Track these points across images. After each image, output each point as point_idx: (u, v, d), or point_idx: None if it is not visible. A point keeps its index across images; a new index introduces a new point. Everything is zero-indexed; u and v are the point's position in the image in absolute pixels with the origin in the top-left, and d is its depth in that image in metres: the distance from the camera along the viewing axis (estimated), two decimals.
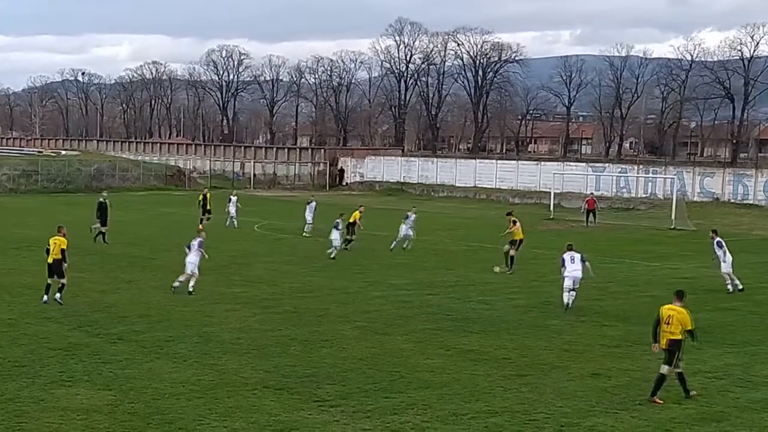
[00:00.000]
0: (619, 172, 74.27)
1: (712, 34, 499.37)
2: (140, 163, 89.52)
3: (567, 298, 24.87)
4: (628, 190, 71.73)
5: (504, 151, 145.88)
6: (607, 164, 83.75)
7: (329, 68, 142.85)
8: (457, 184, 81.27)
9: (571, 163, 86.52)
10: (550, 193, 63.39)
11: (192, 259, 26.21)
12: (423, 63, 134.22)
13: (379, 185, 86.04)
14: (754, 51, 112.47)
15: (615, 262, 35.89)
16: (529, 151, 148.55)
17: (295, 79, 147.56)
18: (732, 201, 66.34)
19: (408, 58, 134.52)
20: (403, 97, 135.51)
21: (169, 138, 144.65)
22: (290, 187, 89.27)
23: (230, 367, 17.70)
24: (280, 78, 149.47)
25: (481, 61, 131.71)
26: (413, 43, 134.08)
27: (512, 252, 32.32)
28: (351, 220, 37.66)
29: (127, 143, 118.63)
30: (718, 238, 29.52)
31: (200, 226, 43.83)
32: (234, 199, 47.54)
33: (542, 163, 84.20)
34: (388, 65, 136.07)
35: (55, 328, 21.02)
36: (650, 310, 25.06)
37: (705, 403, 15.97)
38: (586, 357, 19.22)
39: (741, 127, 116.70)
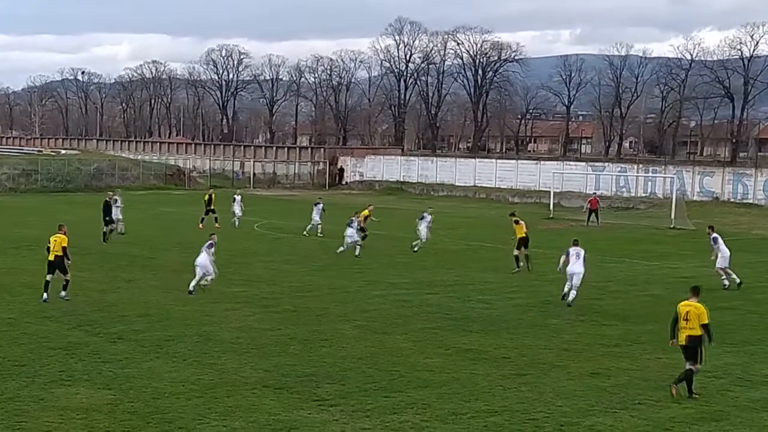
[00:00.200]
0: (619, 172, 74.27)
1: (712, 33, 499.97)
2: (140, 163, 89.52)
3: (571, 295, 25.29)
4: (627, 189, 71.74)
5: (504, 150, 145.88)
6: (606, 163, 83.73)
7: (329, 67, 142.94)
8: (456, 184, 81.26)
9: (571, 163, 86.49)
10: (549, 192, 63.39)
11: (200, 261, 26.11)
12: (423, 62, 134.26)
13: (379, 184, 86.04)
14: (754, 50, 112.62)
15: (614, 261, 35.91)
16: (529, 151, 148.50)
17: (294, 78, 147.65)
18: (732, 200, 66.35)
19: (408, 58, 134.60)
20: (402, 96, 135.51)
21: (169, 137, 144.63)
22: (290, 187, 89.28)
23: (230, 366, 17.71)
24: (280, 77, 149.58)
25: (481, 60, 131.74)
26: (413, 42, 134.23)
27: (515, 252, 32.28)
28: (360, 218, 37.81)
29: (126, 142, 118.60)
30: (714, 234, 29.76)
31: (201, 225, 44.40)
32: (238, 198, 47.59)
33: (542, 162, 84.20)
34: (387, 64, 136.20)
35: (55, 327, 21.03)
36: (650, 309, 25.21)
37: (704, 402, 15.98)
38: (586, 356, 19.23)
39: (741, 126, 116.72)
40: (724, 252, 29.42)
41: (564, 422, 14.68)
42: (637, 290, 28.70)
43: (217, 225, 44.64)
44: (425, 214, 38.14)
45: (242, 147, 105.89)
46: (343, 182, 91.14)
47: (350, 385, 16.53)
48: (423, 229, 37.38)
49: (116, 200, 40.93)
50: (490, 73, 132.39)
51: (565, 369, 18.07)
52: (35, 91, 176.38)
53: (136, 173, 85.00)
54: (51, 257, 24.27)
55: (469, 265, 33.59)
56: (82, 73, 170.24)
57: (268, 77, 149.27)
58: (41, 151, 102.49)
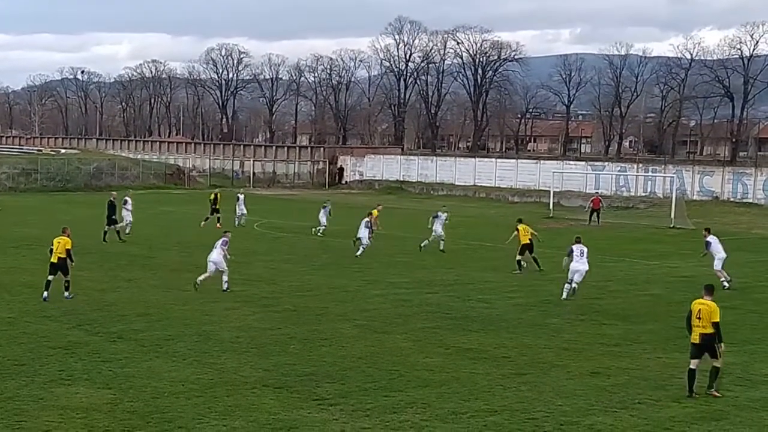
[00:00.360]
0: (619, 171, 74.25)
1: (712, 32, 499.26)
2: (140, 162, 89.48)
3: (567, 291, 25.72)
4: (627, 188, 71.72)
5: (503, 149, 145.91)
6: (606, 163, 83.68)
7: (329, 67, 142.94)
8: (456, 183, 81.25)
9: (571, 162, 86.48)
10: (549, 191, 63.39)
11: (214, 258, 26.22)
12: (422, 62, 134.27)
13: (379, 184, 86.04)
14: (754, 50, 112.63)
15: (614, 260, 35.90)
16: (529, 150, 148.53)
17: (294, 77, 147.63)
18: (731, 200, 66.34)
19: (407, 57, 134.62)
20: (402, 95, 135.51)
21: (169, 136, 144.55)
22: (290, 186, 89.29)
23: (229, 365, 17.71)
24: (280, 76, 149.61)
25: (481, 59, 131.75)
26: (413, 41, 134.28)
27: (518, 257, 32.23)
28: (374, 219, 37.93)
29: (126, 142, 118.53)
30: (707, 237, 29.93)
31: (203, 224, 44.47)
32: (242, 198, 47.62)
33: (542, 161, 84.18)
34: (387, 64, 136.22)
35: (55, 326, 21.03)
36: (650, 308, 25.23)
37: (704, 401, 15.98)
38: (586, 356, 19.23)
39: (740, 125, 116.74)
40: (719, 254, 29.47)
41: (564, 421, 14.68)
42: (637, 289, 28.70)
43: (218, 225, 44.62)
44: (440, 213, 38.02)
45: (242, 146, 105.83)
46: (343, 182, 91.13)
47: (350, 384, 16.53)
48: (438, 227, 37.28)
49: (126, 200, 41.03)
50: (490, 72, 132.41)
51: (564, 368, 18.07)
52: (35, 90, 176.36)
53: (136, 172, 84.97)
54: (54, 259, 24.38)
55: (469, 265, 33.58)
56: (82, 72, 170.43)
57: (267, 76, 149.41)
58: (41, 151, 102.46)
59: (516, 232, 32.55)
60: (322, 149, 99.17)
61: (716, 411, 15.49)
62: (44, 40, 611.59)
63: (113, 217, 38.53)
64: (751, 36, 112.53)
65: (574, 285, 26.03)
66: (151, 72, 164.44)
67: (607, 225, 51.95)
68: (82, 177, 79.74)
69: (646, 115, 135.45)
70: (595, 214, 53.16)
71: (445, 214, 38.26)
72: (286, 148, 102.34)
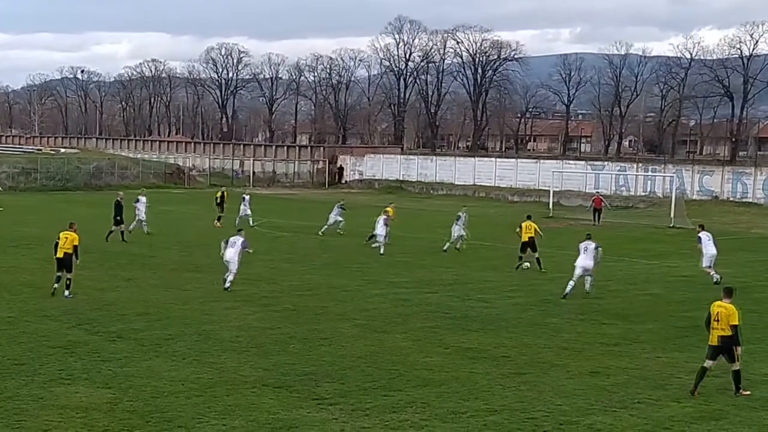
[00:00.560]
0: (619, 171, 74.27)
1: (711, 32, 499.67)
2: (139, 161, 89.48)
3: (588, 283, 26.49)
4: (627, 188, 71.76)
5: (503, 149, 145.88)
6: (606, 162, 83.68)
7: (328, 66, 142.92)
8: (456, 182, 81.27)
9: (570, 162, 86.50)
10: (549, 191, 63.40)
11: (231, 257, 26.42)
12: (422, 61, 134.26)
13: (378, 183, 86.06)
14: (754, 49, 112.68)
15: (614, 260, 35.84)
16: (529, 150, 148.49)
17: (294, 77, 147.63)
18: (731, 199, 66.37)
19: (407, 56, 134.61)
20: (402, 95, 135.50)
21: (169, 136, 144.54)
22: (289, 185, 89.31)
23: (229, 365, 17.71)
24: (280, 76, 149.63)
25: (481, 59, 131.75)
26: (412, 41, 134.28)
27: (519, 253, 32.42)
28: (383, 216, 38.19)
29: (126, 141, 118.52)
30: (699, 233, 30.51)
31: (217, 224, 44.55)
32: (247, 198, 47.67)
33: (541, 161, 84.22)
34: (387, 63, 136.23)
35: (55, 326, 21.03)
36: (649, 308, 25.24)
37: (703, 401, 15.99)
38: (585, 355, 19.24)
39: (740, 125, 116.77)
40: (709, 252, 29.91)
41: (563, 421, 14.68)
42: (637, 289, 28.71)
43: (218, 224, 44.69)
44: (460, 214, 37.80)
45: (242, 146, 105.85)
46: (343, 181, 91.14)
47: (349, 383, 16.53)
48: (456, 228, 37.17)
49: (139, 199, 41.11)
50: (490, 71, 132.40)
51: (564, 368, 18.07)
52: (35, 89, 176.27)
53: (136, 172, 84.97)
54: (60, 254, 24.59)
55: (469, 264, 33.59)
56: (82, 71, 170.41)
57: (267, 76, 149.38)
58: (41, 150, 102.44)
59: (519, 229, 32.74)
60: (321, 149, 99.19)
61: (716, 410, 15.49)
62: (44, 39, 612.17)
63: (118, 217, 38.40)
64: (751, 36, 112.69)
65: (572, 282, 26.38)
66: (151, 71, 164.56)
67: (607, 224, 51.94)
68: (82, 176, 79.73)
69: (646, 115, 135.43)
70: (596, 213, 53.18)
71: (465, 214, 37.98)
72: (285, 148, 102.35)
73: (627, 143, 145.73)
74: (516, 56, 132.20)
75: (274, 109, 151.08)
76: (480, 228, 47.81)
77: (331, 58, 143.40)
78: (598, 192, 60.79)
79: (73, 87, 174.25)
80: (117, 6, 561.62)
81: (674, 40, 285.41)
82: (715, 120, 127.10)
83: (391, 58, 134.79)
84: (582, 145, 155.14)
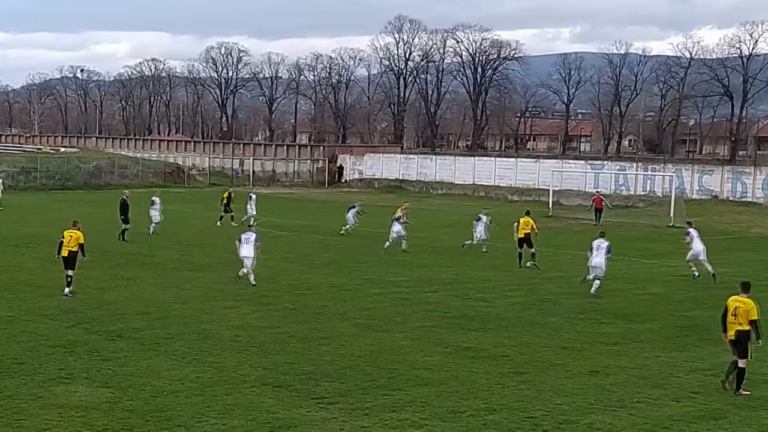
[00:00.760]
0: (618, 170, 74.24)
1: (711, 31, 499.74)
2: (139, 160, 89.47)
3: (594, 285, 26.79)
4: (626, 187, 71.73)
5: (503, 148, 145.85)
6: (605, 162, 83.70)
7: (328, 65, 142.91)
8: (456, 182, 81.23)
9: (570, 161, 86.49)
10: (548, 190, 63.40)
11: (248, 253, 27.13)
12: (422, 60, 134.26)
13: (378, 182, 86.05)
14: (753, 49, 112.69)
15: (613, 259, 35.73)
16: (528, 149, 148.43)
17: (294, 76, 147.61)
18: (731, 199, 66.36)
19: (407, 56, 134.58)
20: (402, 94, 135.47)
21: (168, 135, 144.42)
22: (289, 185, 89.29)
23: (229, 364, 17.71)
24: (279, 75, 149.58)
25: (480, 58, 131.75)
26: (412, 40, 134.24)
27: (519, 249, 32.83)
28: (396, 216, 38.50)
29: (126, 140, 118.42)
30: (688, 229, 31.39)
31: (218, 224, 44.72)
32: (254, 197, 47.77)
33: (541, 160, 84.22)
34: (387, 63, 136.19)
35: (54, 325, 21.03)
36: (649, 307, 25.24)
37: (703, 400, 16.00)
38: (585, 354, 19.24)
39: (740, 124, 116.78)
40: (696, 248, 30.70)
41: (563, 420, 14.69)
42: (636, 288, 28.71)
43: (218, 224, 44.75)
44: (481, 215, 37.76)
45: (242, 145, 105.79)
46: (343, 180, 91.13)
47: (349, 383, 16.53)
48: (479, 229, 37.17)
49: (153, 201, 41.13)
50: (490, 71, 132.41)
51: (564, 367, 18.08)
52: (34, 88, 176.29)
53: (136, 171, 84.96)
54: (65, 253, 24.79)
55: (468, 263, 33.59)
56: (82, 70, 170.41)
57: (267, 75, 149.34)
58: (40, 149, 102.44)
59: (516, 224, 33.08)
60: (321, 148, 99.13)
61: (715, 410, 15.50)
62: (44, 38, 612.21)
63: (123, 216, 38.35)
64: (751, 35, 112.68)
65: (589, 278, 27.02)
66: (151, 70, 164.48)
67: (607, 224, 51.83)
68: (82, 176, 79.73)
69: (646, 114, 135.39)
70: (597, 213, 53.12)
71: (486, 216, 37.87)
72: (285, 147, 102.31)
73: (627, 143, 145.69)
74: (516, 55, 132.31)
75: (273, 108, 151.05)
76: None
77: (330, 58, 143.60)
78: (598, 192, 60.75)
79: (72, 86, 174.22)
80: (117, 5, 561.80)
81: (674, 39, 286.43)
82: (714, 119, 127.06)
83: (391, 58, 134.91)
84: (582, 144, 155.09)
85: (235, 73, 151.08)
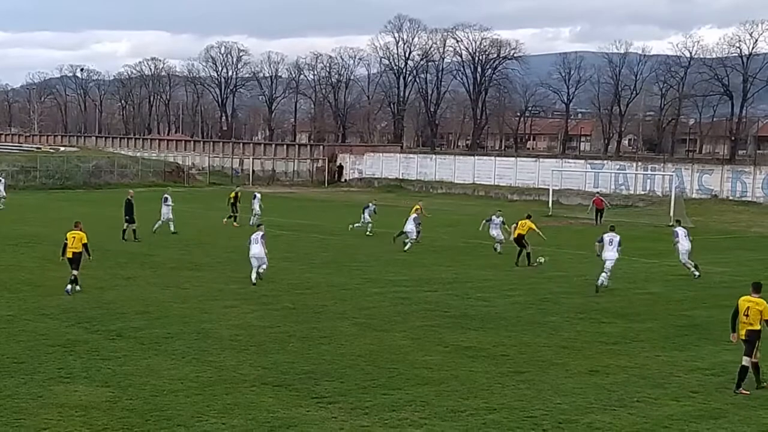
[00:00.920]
0: (618, 169, 74.26)
1: (711, 31, 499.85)
2: (139, 160, 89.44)
3: (601, 279, 27.24)
4: (626, 187, 71.75)
5: (503, 147, 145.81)
6: (605, 161, 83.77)
7: (328, 65, 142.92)
8: (455, 181, 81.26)
9: (570, 160, 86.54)
10: (548, 190, 63.40)
11: (256, 253, 27.35)
12: (422, 60, 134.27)
13: (378, 182, 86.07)
14: (753, 48, 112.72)
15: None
16: (528, 148, 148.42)
17: (293, 75, 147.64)
18: (730, 198, 66.40)
19: (407, 55, 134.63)
20: (401, 93, 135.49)
21: (168, 134, 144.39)
22: (289, 184, 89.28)
23: (229, 363, 17.71)
24: (279, 74, 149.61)
25: (480, 57, 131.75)
26: (412, 39, 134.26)
27: (518, 249, 33.18)
28: (413, 215, 38.77)
29: (125, 139, 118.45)
30: (676, 228, 31.92)
31: (225, 221, 44.83)
32: (258, 196, 47.82)
33: (541, 160, 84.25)
34: (386, 62, 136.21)
35: (54, 324, 21.02)
36: (649, 307, 25.24)
37: (702, 400, 16.00)
38: (585, 354, 19.24)
39: (739, 124, 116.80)
40: (683, 247, 31.12)
41: (562, 420, 14.68)
42: (636, 288, 28.72)
43: (225, 221, 44.90)
44: (493, 217, 37.43)
45: (241, 144, 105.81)
46: (342, 180, 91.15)
47: (349, 382, 16.53)
48: (495, 232, 36.95)
49: (166, 198, 41.17)
50: (490, 70, 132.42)
51: (563, 366, 18.07)
52: (34, 88, 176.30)
53: (135, 170, 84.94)
54: (69, 254, 25.04)
55: (468, 263, 33.59)
56: (81, 70, 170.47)
57: (267, 74, 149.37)
58: (40, 149, 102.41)
59: (515, 225, 33.61)
60: (321, 147, 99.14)
61: (715, 409, 15.50)
62: (44, 37, 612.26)
63: (128, 216, 38.31)
64: (751, 34, 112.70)
65: (604, 275, 27.41)
66: (151, 70, 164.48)
67: (607, 223, 51.86)
68: (82, 175, 79.70)
69: (646, 114, 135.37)
70: (599, 214, 53.03)
71: (500, 218, 37.77)
72: (285, 146, 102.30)
73: (626, 142, 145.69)
74: (515, 55, 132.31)
75: (273, 107, 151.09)
76: (479, 227, 47.83)
77: (330, 57, 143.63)
78: (598, 192, 60.69)
79: (72, 85, 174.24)
80: (117, 4, 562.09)
81: (674, 38, 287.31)
82: (714, 119, 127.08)
83: (391, 57, 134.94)
84: (581, 143, 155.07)
85: (234, 73, 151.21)
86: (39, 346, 18.72)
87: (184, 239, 39.13)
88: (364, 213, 43.17)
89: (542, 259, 32.72)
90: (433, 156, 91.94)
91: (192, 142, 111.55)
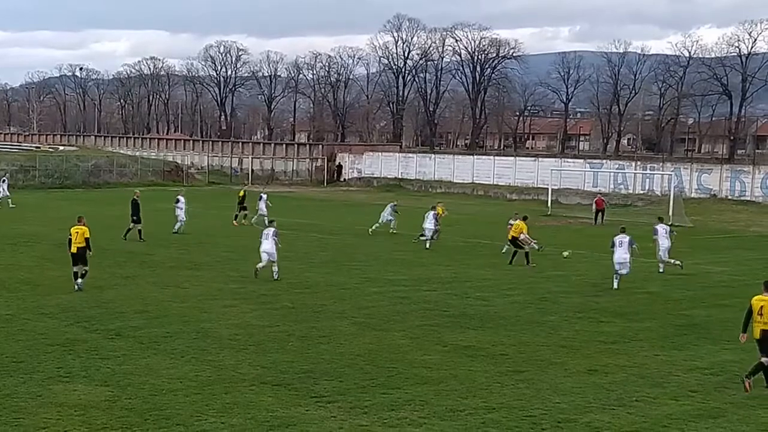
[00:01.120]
0: (617, 169, 74.30)
1: (710, 30, 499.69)
2: (138, 159, 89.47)
3: (616, 279, 27.77)
4: (625, 186, 71.78)
5: (502, 147, 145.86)
6: (604, 160, 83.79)
7: (327, 64, 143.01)
8: (454, 180, 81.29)
9: (569, 160, 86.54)
10: (547, 189, 63.41)
11: (268, 249, 27.64)
12: (421, 59, 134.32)
13: (377, 181, 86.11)
14: (752, 47, 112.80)
15: (611, 258, 35.86)
16: (527, 148, 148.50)
17: (293, 74, 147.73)
18: (729, 197, 66.43)
19: (406, 54, 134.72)
20: (401, 93, 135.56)
21: (167, 134, 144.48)
22: (288, 183, 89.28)
23: (228, 363, 17.70)
24: (278, 74, 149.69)
25: (479, 57, 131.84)
26: (411, 39, 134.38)
27: (514, 248, 33.23)
28: (432, 211, 38.87)
29: (124, 139, 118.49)
30: (656, 226, 32.41)
31: (235, 222, 44.91)
32: (264, 197, 47.90)
33: (540, 159, 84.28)
34: (386, 61, 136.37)
35: (53, 323, 21.02)
36: (647, 306, 25.25)
37: (701, 399, 16.00)
38: (583, 353, 19.24)
39: (738, 123, 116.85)
40: (663, 244, 31.75)
41: (561, 419, 14.69)
42: (635, 287, 28.71)
43: (234, 223, 45.04)
44: (511, 221, 37.46)
45: (240, 143, 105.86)
46: (342, 179, 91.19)
47: (348, 381, 16.53)
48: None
49: (179, 199, 41.20)
50: (489, 70, 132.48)
51: (562, 366, 18.08)
52: (33, 87, 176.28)
53: (134, 170, 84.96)
54: (74, 249, 25.13)
55: (467, 262, 33.60)
56: (81, 69, 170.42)
57: (266, 74, 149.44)
58: (39, 148, 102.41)
59: (509, 225, 33.98)
60: (320, 146, 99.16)
61: (714, 409, 15.50)
62: (43, 37, 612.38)
63: (135, 216, 38.28)
64: (750, 34, 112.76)
65: (620, 274, 27.87)
66: (150, 69, 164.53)
67: (605, 222, 51.94)
68: (81, 174, 79.70)
69: (645, 113, 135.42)
70: (600, 214, 53.02)
71: (516, 221, 37.76)
72: (284, 146, 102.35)
73: (625, 141, 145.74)
74: (515, 54, 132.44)
75: (272, 107, 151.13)
76: (478, 226, 47.88)
77: (329, 56, 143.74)
78: (600, 193, 60.58)
79: (71, 85, 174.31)
80: (116, 4, 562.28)
81: (673, 38, 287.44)
82: (713, 118, 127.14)
83: (390, 56, 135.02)
84: (580, 143, 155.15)
85: (233, 72, 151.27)
86: (38, 345, 18.72)
87: (183, 238, 39.12)
88: (384, 212, 43.19)
89: (566, 253, 33.57)
90: (432, 155, 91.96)
91: (191, 142, 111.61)
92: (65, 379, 16.30)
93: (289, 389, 15.99)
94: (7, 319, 21.31)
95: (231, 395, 15.51)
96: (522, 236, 33.01)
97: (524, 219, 34.18)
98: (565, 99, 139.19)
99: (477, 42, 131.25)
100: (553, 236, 41.02)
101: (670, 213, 53.33)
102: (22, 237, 37.72)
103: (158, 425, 13.99)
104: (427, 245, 37.05)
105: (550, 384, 16.68)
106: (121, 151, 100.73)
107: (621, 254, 28.04)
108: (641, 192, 70.06)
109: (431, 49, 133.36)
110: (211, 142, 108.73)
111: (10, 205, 53.77)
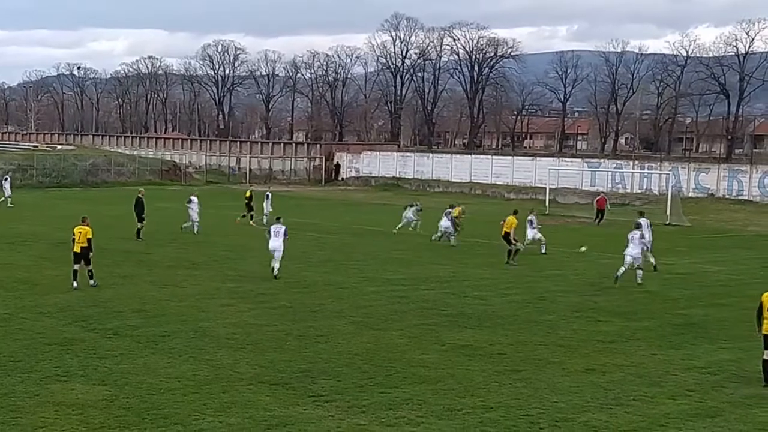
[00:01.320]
0: (615, 168, 74.32)
1: (708, 30, 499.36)
2: (136, 158, 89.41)
3: (638, 275, 27.99)
4: (623, 185, 71.80)
5: (500, 146, 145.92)
6: (602, 160, 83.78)
7: (325, 63, 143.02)
8: (452, 180, 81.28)
9: (567, 159, 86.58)
10: (545, 188, 63.41)
11: (277, 245, 27.99)
12: (419, 58, 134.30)
13: (375, 180, 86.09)
14: (750, 47, 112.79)
15: (610, 257, 35.85)
16: (525, 147, 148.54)
17: (290, 74, 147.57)
18: (727, 197, 66.48)
19: (404, 54, 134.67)
20: (398, 92, 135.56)
21: (165, 133, 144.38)
22: (286, 182, 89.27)
23: (225, 362, 17.70)
24: (276, 73, 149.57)
25: (477, 56, 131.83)
26: (409, 38, 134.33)
27: (508, 246, 33.26)
28: (455, 215, 39.10)
29: (122, 138, 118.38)
30: (639, 219, 31.82)
31: (237, 220, 44.90)
32: (270, 196, 47.96)
33: (538, 158, 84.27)
34: (384, 60, 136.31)
35: (51, 323, 21.01)
36: (645, 305, 25.26)
37: (699, 398, 16.02)
38: (581, 352, 19.25)
39: (736, 122, 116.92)
40: (646, 237, 31.26)
41: (559, 418, 14.70)
42: (633, 287, 28.69)
43: (237, 220, 45.07)
44: (531, 218, 37.12)
45: (238, 142, 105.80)
46: (339, 178, 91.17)
47: (346, 381, 16.53)
48: (529, 232, 36.69)
49: (191, 199, 41.23)
50: (486, 69, 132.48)
51: (560, 365, 18.09)
52: (31, 86, 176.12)
53: (132, 169, 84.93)
54: (77, 249, 25.24)
55: (465, 261, 33.60)
56: (78, 68, 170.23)
57: (264, 73, 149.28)
58: (37, 147, 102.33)
59: (502, 222, 33.83)
60: (318, 146, 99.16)
61: (711, 408, 15.51)
62: (41, 35, 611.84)
63: (143, 215, 38.29)
64: (747, 33, 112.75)
65: (638, 274, 28.08)
66: (148, 68, 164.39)
67: (604, 222, 51.97)
68: (78, 173, 79.65)
69: (642, 112, 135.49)
70: (599, 214, 52.91)
71: (534, 216, 37.49)
72: (282, 145, 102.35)
73: (623, 141, 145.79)
74: (513, 54, 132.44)
75: (270, 106, 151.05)
76: (476, 225, 47.84)
77: (327, 55, 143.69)
78: (603, 193, 60.36)
79: (69, 84, 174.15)
80: (114, 3, 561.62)
81: (671, 37, 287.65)
82: (711, 117, 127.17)
83: (388, 56, 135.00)
84: (578, 142, 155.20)
85: (231, 71, 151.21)
86: (36, 345, 18.71)
87: (181, 238, 39.12)
88: (407, 212, 43.15)
89: (583, 248, 33.99)
90: (430, 154, 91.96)
91: (189, 141, 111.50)
92: (63, 379, 16.30)
93: (287, 388, 16.00)
94: (5, 319, 21.30)
95: (229, 394, 15.51)
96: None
97: (514, 213, 34.12)
98: (562, 98, 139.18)
99: (475, 41, 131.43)
100: (551, 235, 40.95)
101: (668, 212, 53.35)
102: (19, 236, 37.69)
103: (156, 424, 13.99)
104: (453, 243, 37.51)
105: (547, 383, 16.69)
106: (119, 151, 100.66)
107: (630, 250, 28.34)
108: (639, 191, 70.06)
109: (429, 48, 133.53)
110: (209, 142, 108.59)
111: (8, 205, 53.77)
